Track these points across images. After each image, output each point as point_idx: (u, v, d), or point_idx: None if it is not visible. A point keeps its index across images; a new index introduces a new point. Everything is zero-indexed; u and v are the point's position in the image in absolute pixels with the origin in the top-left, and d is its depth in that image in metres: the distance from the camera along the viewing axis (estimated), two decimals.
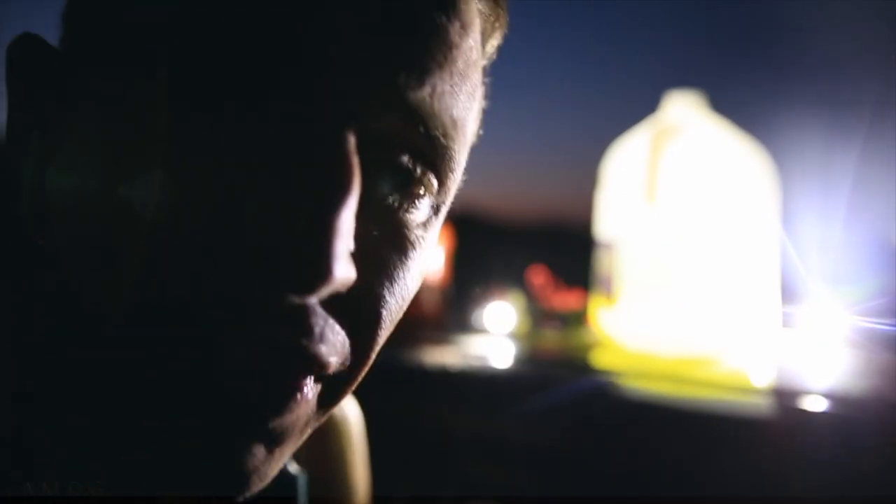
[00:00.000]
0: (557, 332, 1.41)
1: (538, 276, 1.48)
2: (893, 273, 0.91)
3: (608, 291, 1.22)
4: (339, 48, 0.30)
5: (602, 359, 1.16)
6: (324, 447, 0.56)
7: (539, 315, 1.44)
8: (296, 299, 0.29)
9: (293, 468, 0.49)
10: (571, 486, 0.90)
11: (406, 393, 1.04)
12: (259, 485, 0.32)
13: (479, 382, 1.05)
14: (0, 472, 0.33)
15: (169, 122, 0.30)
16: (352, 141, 0.30)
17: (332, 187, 0.29)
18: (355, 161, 0.30)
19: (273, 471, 0.33)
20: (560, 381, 0.98)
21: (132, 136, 0.31)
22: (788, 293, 1.10)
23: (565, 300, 1.46)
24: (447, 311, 1.40)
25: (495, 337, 1.34)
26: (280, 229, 0.29)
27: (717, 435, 0.85)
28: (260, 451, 0.32)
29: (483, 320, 1.39)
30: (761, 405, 0.86)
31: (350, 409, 0.61)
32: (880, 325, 0.81)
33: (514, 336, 1.36)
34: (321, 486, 0.53)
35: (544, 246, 1.69)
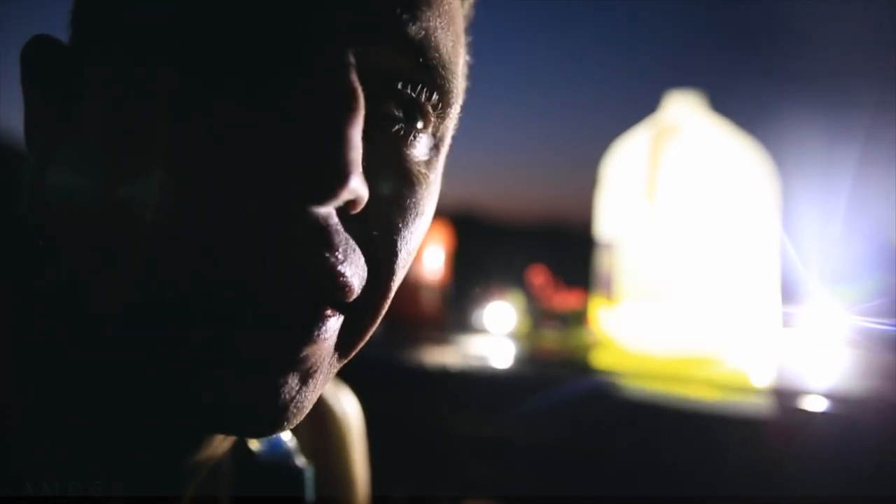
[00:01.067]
0: (557, 332, 1.41)
1: (538, 276, 1.48)
2: (893, 273, 0.91)
3: (608, 291, 1.22)
4: None
5: (602, 359, 1.16)
6: (325, 442, 0.56)
7: (539, 315, 1.44)
8: (316, 209, 0.30)
9: (300, 461, 0.49)
10: (571, 486, 0.90)
11: (406, 393, 1.04)
12: (296, 417, 0.33)
13: (479, 382, 1.05)
14: (0, 471, 0.33)
15: (173, 82, 0.30)
16: (352, 63, 0.31)
17: (337, 100, 0.30)
18: (356, 79, 0.31)
19: (308, 403, 0.33)
20: (560, 381, 0.98)
21: (135, 111, 0.31)
22: (788, 293, 1.10)
23: (565, 300, 1.46)
24: (447, 311, 1.40)
25: (495, 337, 1.34)
26: (291, 147, 0.29)
27: (717, 435, 0.85)
28: (294, 381, 0.32)
29: (483, 320, 1.39)
30: (761, 405, 0.86)
31: (349, 406, 0.61)
32: (880, 325, 0.81)
33: (514, 336, 1.36)
34: (323, 481, 0.53)
35: (544, 246, 1.69)
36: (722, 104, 1.18)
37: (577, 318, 1.39)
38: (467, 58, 0.41)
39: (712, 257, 1.13)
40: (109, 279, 0.32)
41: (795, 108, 1.06)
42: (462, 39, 0.38)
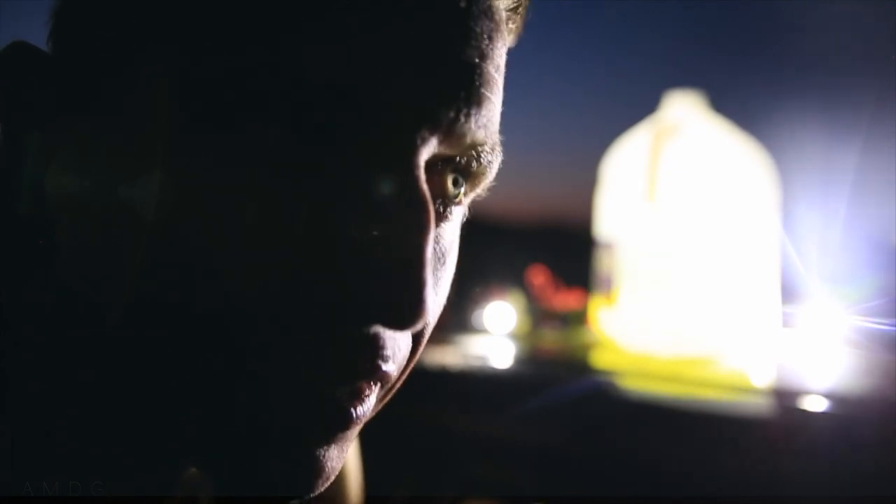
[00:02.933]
0: (557, 332, 1.41)
1: (538, 276, 1.47)
2: (893, 273, 0.91)
3: (608, 291, 1.22)
4: (400, 83, 0.30)
5: (602, 359, 1.16)
6: None
7: (539, 315, 1.44)
8: (381, 329, 0.31)
9: None
10: (571, 486, 0.90)
11: (406, 393, 1.04)
12: (327, 483, 0.34)
13: (479, 382, 1.05)
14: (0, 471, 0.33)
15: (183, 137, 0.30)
16: (422, 171, 0.31)
17: (421, 227, 0.30)
18: (427, 193, 0.30)
19: (338, 469, 0.34)
20: (560, 381, 0.98)
21: (136, 147, 0.31)
22: (788, 293, 1.10)
23: (565, 300, 1.46)
24: (447, 311, 1.40)
25: (495, 337, 1.34)
26: (366, 267, 0.29)
27: (717, 435, 0.85)
28: (330, 454, 0.33)
29: (483, 320, 1.39)
30: (761, 405, 0.86)
31: None
32: (880, 325, 0.81)
33: (514, 336, 1.36)
34: None
35: (544, 246, 1.69)
36: (722, 104, 1.18)
37: (577, 318, 1.39)
38: None
39: (712, 257, 1.13)
40: (125, 281, 0.31)
41: (795, 109, 1.06)
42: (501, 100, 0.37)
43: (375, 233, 0.29)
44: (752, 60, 1.29)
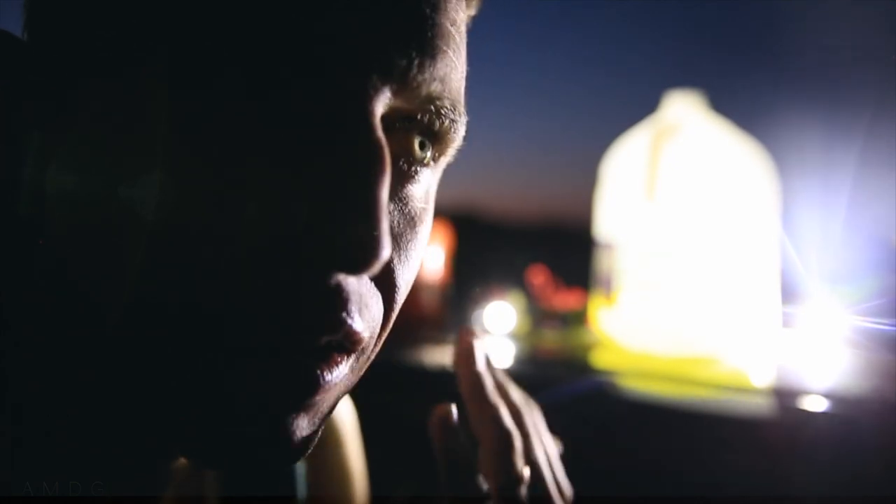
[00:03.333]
0: (557, 332, 1.41)
1: (538, 276, 1.47)
2: (893, 273, 0.91)
3: (608, 291, 1.22)
4: (346, 33, 0.30)
5: (602, 359, 1.16)
6: (319, 441, 0.56)
7: (539, 315, 1.44)
8: (342, 279, 0.30)
9: None
10: (571, 486, 0.90)
11: (406, 393, 1.04)
12: (303, 454, 0.34)
13: None
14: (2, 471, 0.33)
15: (174, 118, 0.30)
16: (378, 120, 0.31)
17: (371, 165, 0.30)
18: (384, 141, 0.31)
19: (315, 438, 0.34)
20: (560, 381, 0.98)
21: (140, 136, 0.31)
22: (788, 293, 1.10)
23: (565, 300, 1.46)
24: (447, 311, 1.40)
25: (495, 337, 1.34)
26: (320, 211, 0.29)
27: (717, 435, 0.85)
28: (304, 423, 0.33)
29: (483, 320, 1.39)
30: (761, 405, 0.86)
31: (342, 403, 0.61)
32: (880, 325, 0.81)
33: (514, 336, 1.36)
34: (316, 478, 0.53)
35: (544, 246, 1.69)
36: (722, 104, 1.18)
37: (577, 318, 1.39)
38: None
39: (712, 257, 1.13)
40: (130, 269, 0.31)
41: (795, 108, 1.06)
42: (465, 63, 0.37)
43: (332, 181, 0.29)
44: (752, 60, 1.29)
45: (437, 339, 1.26)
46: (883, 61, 0.92)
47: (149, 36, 0.30)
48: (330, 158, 0.30)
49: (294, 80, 0.30)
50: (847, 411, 0.80)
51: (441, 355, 1.13)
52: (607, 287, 1.22)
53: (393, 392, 1.02)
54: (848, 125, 0.97)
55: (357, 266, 0.29)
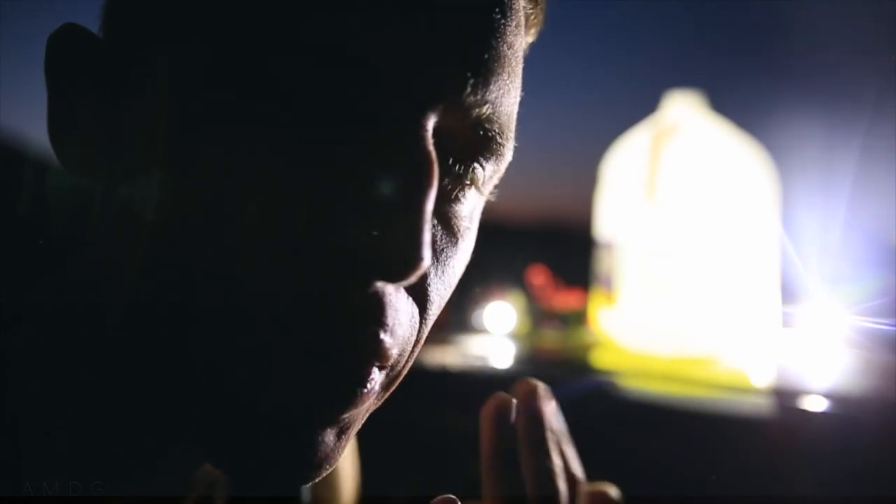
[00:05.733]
0: (557, 332, 1.41)
1: (538, 276, 1.47)
2: (893, 273, 0.91)
3: (608, 291, 1.22)
4: (404, 48, 0.30)
5: (602, 359, 1.16)
6: None
7: (539, 315, 1.44)
8: (381, 286, 0.30)
9: None
10: None
11: (406, 393, 1.04)
12: (328, 470, 0.33)
13: (479, 382, 1.05)
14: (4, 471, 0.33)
15: (224, 121, 0.30)
16: (430, 134, 0.31)
17: (419, 176, 0.30)
18: (433, 152, 0.31)
19: (341, 454, 0.34)
20: (560, 381, 0.98)
21: (188, 136, 0.31)
22: (788, 293, 1.10)
23: (565, 300, 1.46)
24: (447, 311, 1.40)
25: (495, 337, 1.34)
26: (363, 219, 0.29)
27: (717, 435, 0.85)
28: (330, 439, 0.32)
29: (483, 320, 1.39)
30: (761, 405, 0.86)
31: None
32: (880, 325, 0.81)
33: (514, 336, 1.36)
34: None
35: (544, 246, 1.69)
36: (722, 104, 1.18)
37: (577, 318, 1.39)
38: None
39: (712, 257, 1.13)
40: (154, 299, 0.31)
41: (795, 108, 1.06)
42: (520, 90, 0.37)
43: (379, 190, 0.29)
44: (752, 60, 1.29)
45: (437, 339, 1.26)
46: (883, 61, 0.92)
47: (211, 36, 0.30)
48: (379, 168, 0.30)
49: (349, 89, 0.30)
50: (847, 411, 0.80)
51: (441, 355, 1.13)
52: (607, 287, 1.22)
53: (393, 392, 1.02)
54: (848, 125, 0.97)
55: (397, 273, 0.29)
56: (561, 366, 1.19)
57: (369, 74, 0.30)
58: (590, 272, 1.28)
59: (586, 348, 1.24)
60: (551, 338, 1.39)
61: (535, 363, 1.21)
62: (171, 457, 0.38)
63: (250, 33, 0.30)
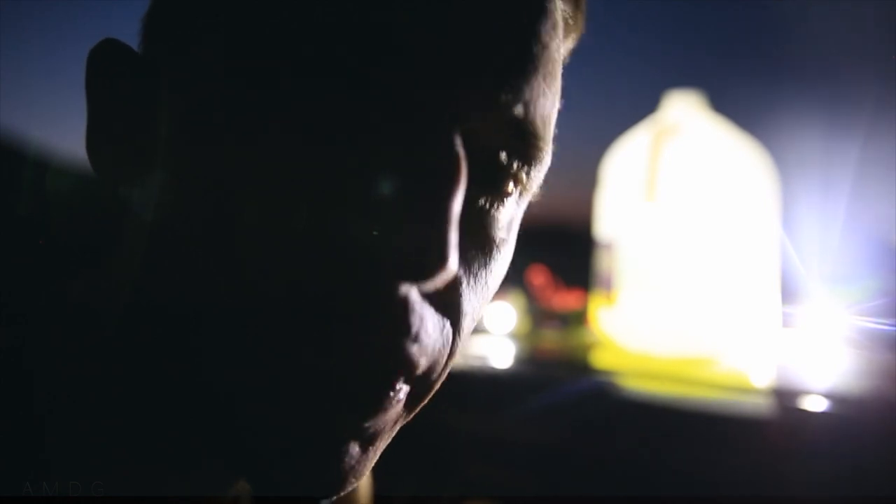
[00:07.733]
0: (557, 332, 1.41)
1: (538, 276, 1.47)
2: (893, 273, 0.91)
3: (608, 291, 1.22)
4: (439, 50, 0.30)
5: (602, 359, 1.16)
6: None
7: (539, 315, 1.44)
8: (404, 290, 0.29)
9: None
10: (571, 486, 0.90)
11: None
12: (354, 483, 0.33)
13: (479, 382, 1.05)
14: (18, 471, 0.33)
15: (268, 118, 0.30)
16: (459, 137, 0.30)
17: (445, 177, 0.29)
18: (463, 155, 0.30)
19: (367, 469, 0.33)
20: (560, 381, 0.98)
21: (231, 128, 0.31)
22: (788, 293, 1.10)
23: (565, 300, 1.46)
24: None
25: (495, 337, 1.34)
26: (393, 219, 0.29)
27: (717, 435, 0.85)
28: (355, 450, 0.32)
29: (483, 320, 1.39)
30: (761, 405, 0.86)
31: None
32: (880, 325, 0.81)
33: (514, 336, 1.36)
34: None
35: (544, 246, 1.69)
36: (722, 104, 1.18)
37: (577, 318, 1.39)
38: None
39: (712, 257, 1.13)
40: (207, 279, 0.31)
41: (795, 108, 1.06)
42: (558, 96, 0.36)
43: (405, 189, 0.29)
44: (752, 60, 1.29)
45: None
46: (883, 61, 0.92)
47: (251, 43, 0.30)
48: (406, 167, 0.29)
49: (381, 87, 0.30)
50: (847, 411, 0.80)
51: None
52: (607, 287, 1.22)
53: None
54: (848, 125, 0.97)
55: (419, 273, 0.28)
56: (561, 366, 1.19)
57: (402, 73, 0.30)
58: (590, 272, 1.28)
59: (586, 348, 1.24)
60: (551, 338, 1.39)
61: (535, 363, 1.21)
62: (193, 465, 0.38)
63: (292, 37, 0.30)
